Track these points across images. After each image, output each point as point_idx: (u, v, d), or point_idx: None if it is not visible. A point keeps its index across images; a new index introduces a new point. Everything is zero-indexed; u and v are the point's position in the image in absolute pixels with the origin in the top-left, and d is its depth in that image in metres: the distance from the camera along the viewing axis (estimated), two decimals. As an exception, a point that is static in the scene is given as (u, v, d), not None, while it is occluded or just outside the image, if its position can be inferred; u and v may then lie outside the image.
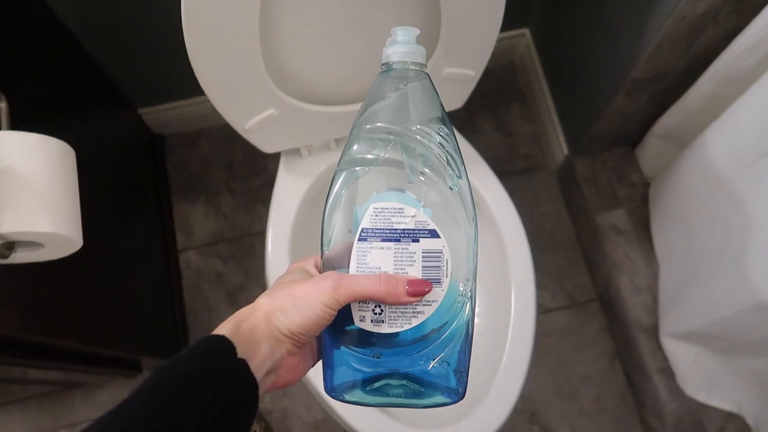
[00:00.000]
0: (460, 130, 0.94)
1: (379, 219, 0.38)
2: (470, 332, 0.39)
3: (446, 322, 0.38)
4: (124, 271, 1.05)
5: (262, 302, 0.37)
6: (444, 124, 0.39)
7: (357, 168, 0.38)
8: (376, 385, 0.39)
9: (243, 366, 0.34)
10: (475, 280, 0.39)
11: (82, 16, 0.98)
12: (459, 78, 0.79)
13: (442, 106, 0.40)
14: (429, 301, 0.38)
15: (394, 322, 0.38)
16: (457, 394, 0.39)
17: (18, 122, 0.62)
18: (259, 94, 0.73)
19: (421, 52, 0.40)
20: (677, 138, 1.05)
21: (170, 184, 1.36)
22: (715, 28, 0.83)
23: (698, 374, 1.04)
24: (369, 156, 0.38)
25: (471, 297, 0.39)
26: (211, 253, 1.31)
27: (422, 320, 0.38)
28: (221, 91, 0.72)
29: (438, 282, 0.38)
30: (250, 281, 1.28)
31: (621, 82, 0.97)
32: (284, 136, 0.83)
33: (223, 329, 0.35)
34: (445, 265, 0.38)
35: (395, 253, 0.37)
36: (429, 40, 0.74)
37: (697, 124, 0.97)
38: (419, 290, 0.37)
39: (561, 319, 1.26)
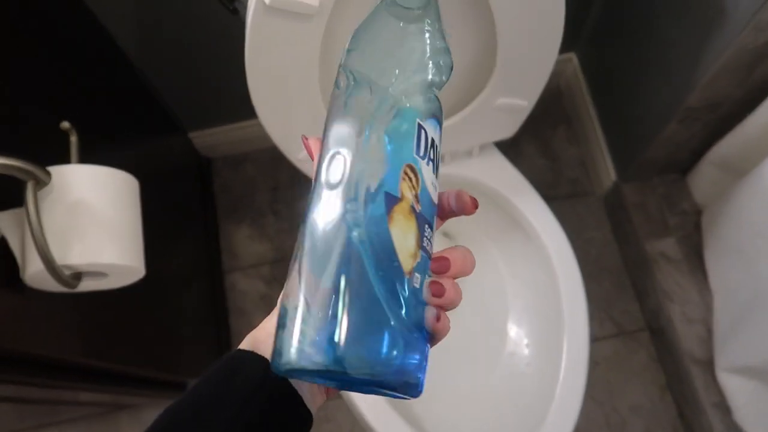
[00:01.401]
0: (505, 154, 0.94)
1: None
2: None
3: None
4: (172, 293, 1.07)
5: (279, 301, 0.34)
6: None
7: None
8: None
9: (266, 367, 0.31)
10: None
11: (136, 42, 1.01)
12: (512, 108, 0.79)
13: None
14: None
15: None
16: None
17: (82, 150, 0.64)
18: (316, 124, 0.74)
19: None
20: (732, 166, 1.02)
21: (216, 206, 1.38)
22: (777, 58, 0.82)
23: (756, 410, 1.01)
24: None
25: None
26: (256, 274, 1.32)
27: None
28: (278, 123, 0.73)
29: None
30: (293, 304, 1.28)
31: (675, 111, 0.95)
32: (336, 164, 0.83)
33: (244, 344, 0.34)
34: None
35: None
36: (484, 70, 0.74)
37: (754, 154, 0.94)
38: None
39: (609, 348, 1.23)
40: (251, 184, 1.40)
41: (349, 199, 0.30)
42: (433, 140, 0.33)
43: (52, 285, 0.58)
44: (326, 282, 0.29)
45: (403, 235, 0.30)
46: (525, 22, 0.66)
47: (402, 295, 0.29)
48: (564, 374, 0.80)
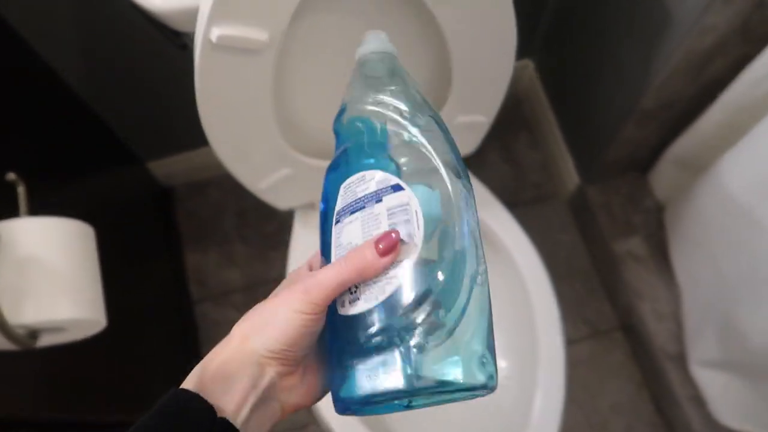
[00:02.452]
0: (468, 162, 0.93)
1: (348, 194, 0.35)
2: (482, 304, 0.33)
3: (432, 288, 0.32)
4: (139, 332, 1.04)
5: (234, 331, 0.34)
6: (394, 80, 0.39)
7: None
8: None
9: (212, 418, 0.30)
10: (474, 237, 0.34)
11: (84, 75, 0.98)
12: (472, 125, 0.79)
13: (407, 80, 0.40)
14: (401, 261, 0.32)
15: (369, 294, 0.32)
16: (481, 382, 0.32)
17: (32, 198, 0.62)
18: (273, 155, 0.73)
19: (381, 40, 0.42)
20: (690, 164, 1.04)
21: (181, 235, 1.35)
22: (725, 58, 0.83)
23: (730, 401, 1.02)
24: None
25: (467, 256, 0.33)
26: (227, 302, 1.29)
27: (396, 285, 0.32)
28: (235, 155, 0.71)
29: (410, 240, 0.32)
30: (267, 329, 1.26)
31: (630, 112, 0.96)
32: (299, 192, 0.82)
33: (188, 380, 0.32)
34: (414, 217, 0.32)
35: (362, 221, 0.34)
36: (440, 90, 0.74)
37: (710, 150, 0.96)
38: (389, 243, 0.31)
39: (584, 350, 1.24)
40: (216, 209, 1.37)
41: None
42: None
43: (6, 345, 0.56)
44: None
45: None
46: (477, 39, 0.66)
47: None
48: (542, 381, 0.80)
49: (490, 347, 0.33)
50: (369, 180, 0.34)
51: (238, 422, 0.31)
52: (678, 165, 1.07)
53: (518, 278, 0.85)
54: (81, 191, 0.91)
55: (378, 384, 0.31)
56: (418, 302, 0.31)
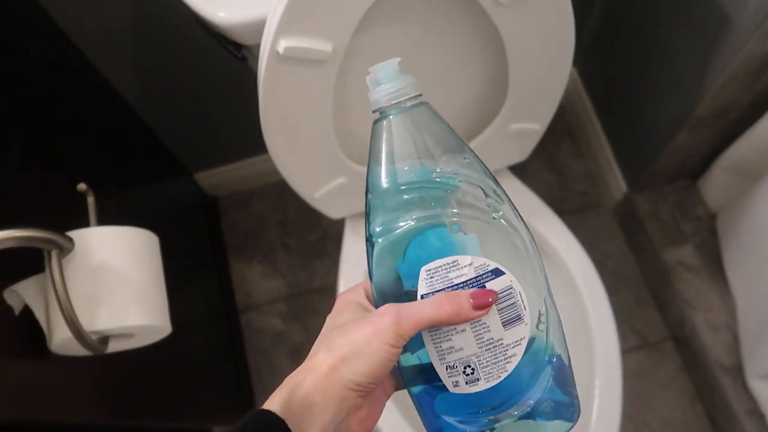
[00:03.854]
0: (511, 171, 0.93)
1: (436, 280, 0.34)
2: (555, 354, 0.37)
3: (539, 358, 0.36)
4: (187, 339, 1.05)
5: (321, 358, 0.33)
6: (463, 151, 0.36)
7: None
8: None
9: None
10: (551, 296, 0.37)
11: (136, 89, 1.01)
12: (525, 133, 0.79)
13: (452, 129, 0.36)
14: (517, 341, 0.35)
15: (489, 374, 0.35)
16: (572, 415, 0.37)
17: (98, 209, 0.64)
18: (331, 164, 0.73)
19: (411, 83, 0.36)
20: (744, 171, 1.02)
21: (226, 245, 1.37)
22: (785, 62, 0.81)
23: (791, 416, 0.99)
24: (398, 224, 0.35)
25: (548, 319, 0.36)
26: (271, 312, 1.30)
27: (516, 362, 0.35)
28: (294, 165, 0.72)
29: (519, 319, 0.35)
30: (311, 339, 1.26)
31: (684, 120, 0.95)
32: (352, 201, 0.83)
33: (274, 401, 0.32)
34: (519, 298, 0.35)
35: None
36: (496, 97, 0.74)
37: (766, 157, 0.94)
38: (483, 301, 0.33)
39: (634, 361, 1.21)
40: (260, 220, 1.39)
41: None
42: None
43: (79, 351, 0.57)
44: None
45: None
46: (535, 46, 0.66)
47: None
48: (599, 392, 0.79)
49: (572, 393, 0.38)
50: (463, 265, 0.34)
51: None
52: (732, 172, 1.05)
53: (573, 287, 0.84)
54: (139, 200, 0.93)
55: None
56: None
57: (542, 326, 0.36)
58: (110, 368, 0.74)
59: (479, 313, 0.33)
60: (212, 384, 1.12)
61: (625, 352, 1.22)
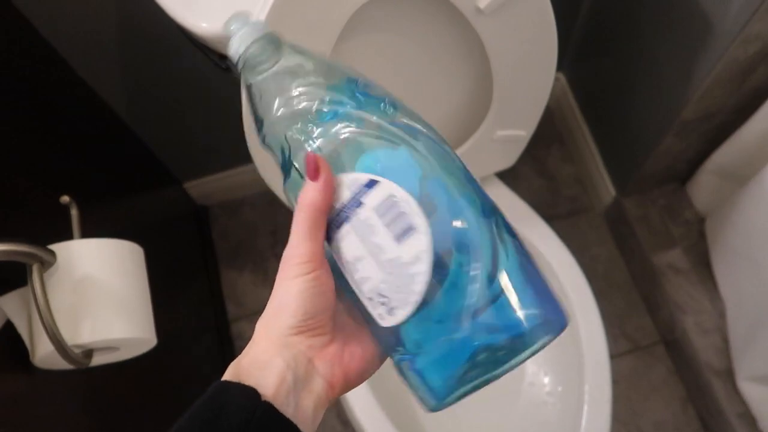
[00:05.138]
0: (501, 177, 0.93)
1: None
2: (514, 249, 0.32)
3: (462, 262, 0.31)
4: (177, 350, 1.05)
5: (256, 326, 0.34)
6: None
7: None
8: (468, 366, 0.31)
9: (254, 399, 0.30)
10: (471, 182, 0.32)
11: (125, 99, 1.01)
12: (511, 139, 0.79)
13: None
14: (416, 255, 0.30)
15: (400, 300, 0.31)
16: (553, 323, 0.31)
17: (82, 220, 0.63)
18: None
19: (260, 24, 0.35)
20: (732, 174, 1.02)
21: (216, 254, 1.36)
22: (767, 66, 0.82)
23: (782, 418, 0.99)
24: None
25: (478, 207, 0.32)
26: (262, 321, 1.30)
27: (424, 281, 0.30)
28: (278, 175, 0.72)
29: (411, 229, 0.30)
30: (303, 347, 1.27)
31: (670, 124, 0.95)
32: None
33: (225, 376, 0.32)
34: (405, 204, 0.30)
35: (356, 233, 0.32)
36: (481, 104, 0.74)
37: (753, 160, 0.94)
38: (311, 166, 0.32)
39: (625, 365, 1.21)
40: (250, 229, 1.38)
41: None
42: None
43: (63, 365, 0.57)
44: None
45: None
46: (519, 54, 0.66)
47: None
48: (588, 398, 0.79)
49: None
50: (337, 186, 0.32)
51: (278, 403, 0.30)
52: (719, 175, 1.05)
53: (561, 293, 0.84)
54: (126, 211, 0.93)
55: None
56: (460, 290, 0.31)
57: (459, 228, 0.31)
58: (96, 382, 0.74)
59: (321, 180, 0.31)
60: (201, 394, 1.11)
61: (616, 356, 1.22)
